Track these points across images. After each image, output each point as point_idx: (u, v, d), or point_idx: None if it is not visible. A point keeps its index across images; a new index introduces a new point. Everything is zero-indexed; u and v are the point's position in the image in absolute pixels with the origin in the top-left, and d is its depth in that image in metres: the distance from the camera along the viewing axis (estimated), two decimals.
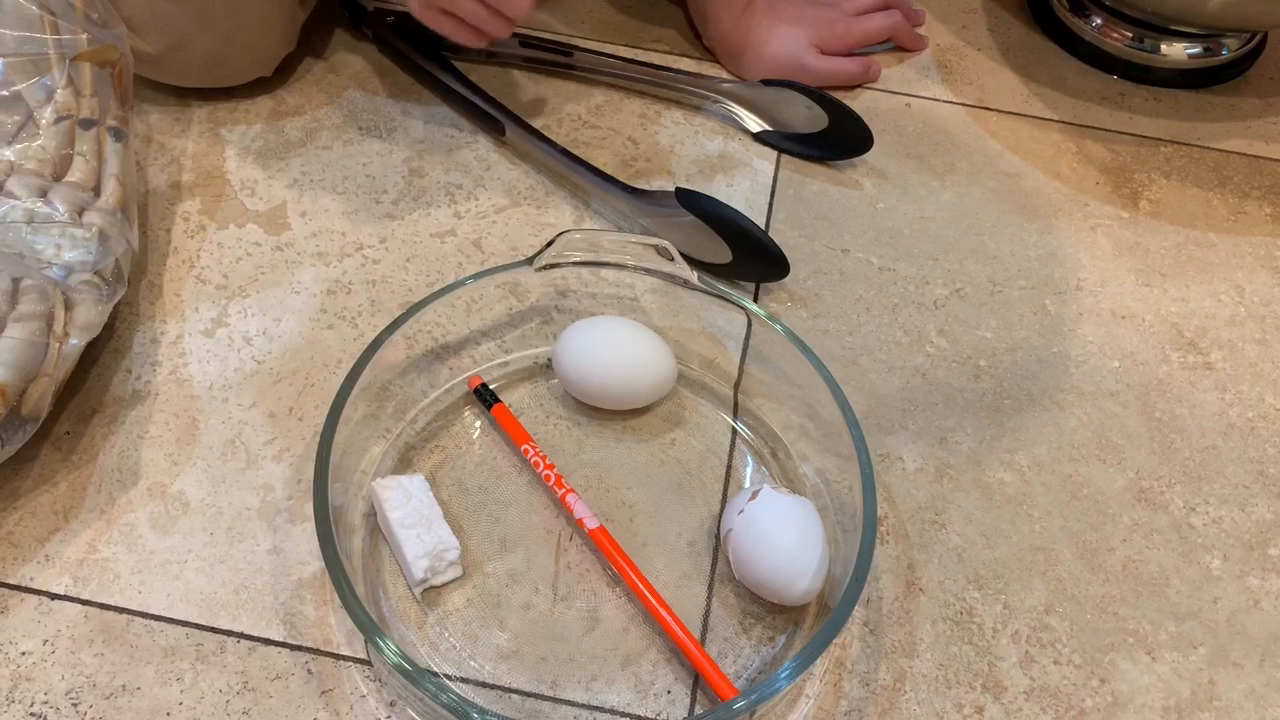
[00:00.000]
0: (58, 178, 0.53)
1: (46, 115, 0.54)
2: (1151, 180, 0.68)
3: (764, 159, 0.67)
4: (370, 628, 0.40)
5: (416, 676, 0.39)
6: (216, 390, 0.53)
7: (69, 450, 0.50)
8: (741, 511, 0.46)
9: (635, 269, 0.53)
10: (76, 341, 0.49)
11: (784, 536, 0.45)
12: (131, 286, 0.56)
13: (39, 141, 0.53)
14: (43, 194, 0.52)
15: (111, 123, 0.56)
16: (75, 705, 0.43)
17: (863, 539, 0.44)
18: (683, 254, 0.53)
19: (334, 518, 0.44)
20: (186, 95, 0.67)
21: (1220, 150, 0.71)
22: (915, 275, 0.62)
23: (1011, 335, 0.59)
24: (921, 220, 0.65)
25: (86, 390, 0.52)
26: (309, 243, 0.60)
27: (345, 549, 0.46)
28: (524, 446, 0.51)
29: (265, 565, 0.47)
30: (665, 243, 0.52)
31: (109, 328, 0.54)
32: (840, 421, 0.48)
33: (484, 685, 0.45)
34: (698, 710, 0.45)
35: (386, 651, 0.40)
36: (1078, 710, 0.46)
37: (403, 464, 0.51)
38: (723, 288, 0.53)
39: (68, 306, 0.49)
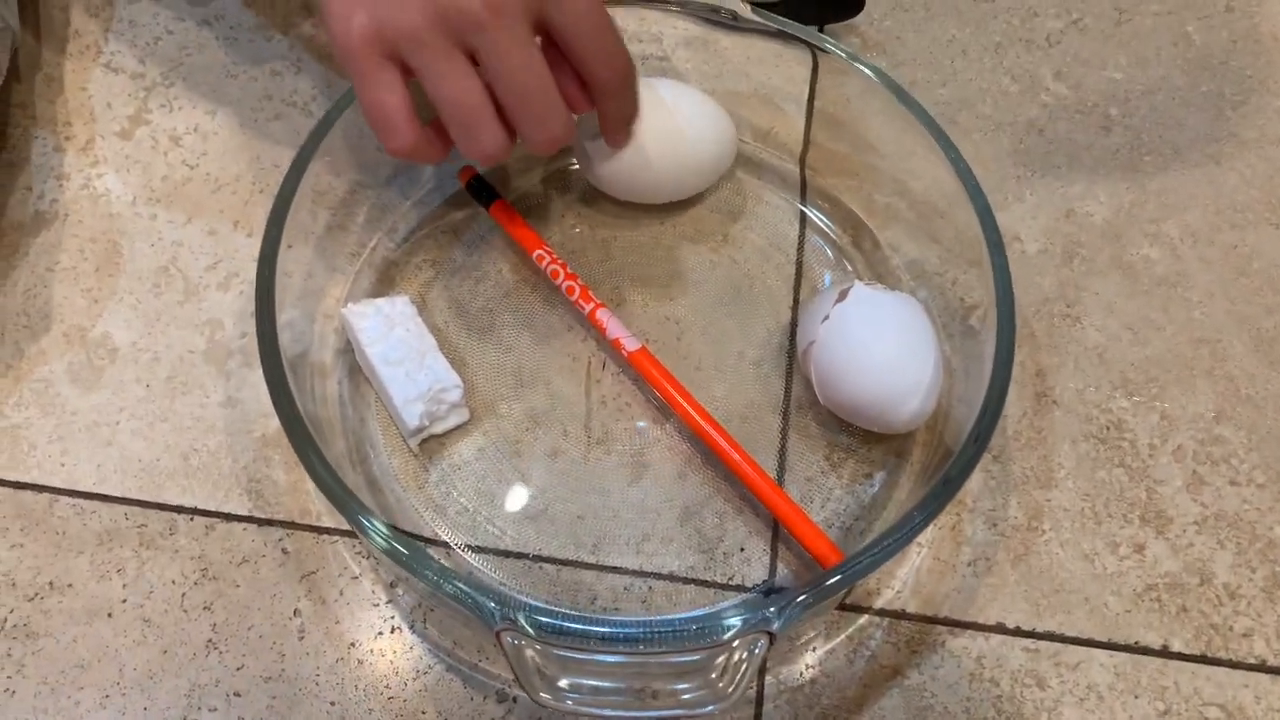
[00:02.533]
0: None
1: None
2: None
3: None
4: (346, 502, 0.30)
5: (412, 561, 0.29)
6: (141, 205, 0.42)
7: None
8: (827, 317, 0.35)
9: (666, 4, 0.40)
10: None
11: (886, 344, 0.35)
12: (22, 83, 0.44)
13: None
14: None
15: None
16: None
17: (999, 338, 0.33)
18: None
19: (292, 358, 0.33)
20: None
21: None
22: (1020, 5, 0.49)
23: (1147, 74, 0.47)
24: None
25: None
26: (244, 13, 0.47)
27: (314, 397, 0.36)
28: (536, 252, 0.39)
29: (219, 421, 0.37)
30: None
31: None
32: (941, 193, 0.37)
33: (506, 554, 0.35)
34: (781, 571, 0.35)
35: (373, 534, 0.30)
36: (1265, 541, 0.36)
37: (383, 284, 0.40)
38: (786, 21, 0.40)
39: None
